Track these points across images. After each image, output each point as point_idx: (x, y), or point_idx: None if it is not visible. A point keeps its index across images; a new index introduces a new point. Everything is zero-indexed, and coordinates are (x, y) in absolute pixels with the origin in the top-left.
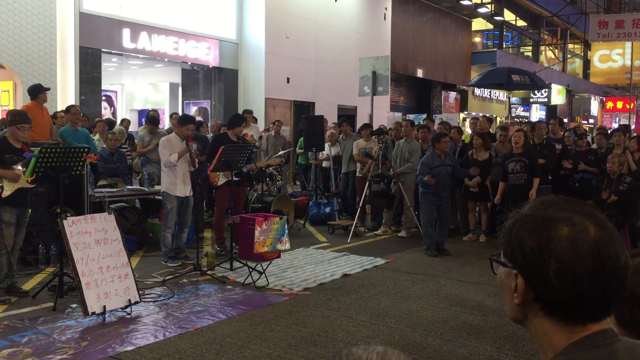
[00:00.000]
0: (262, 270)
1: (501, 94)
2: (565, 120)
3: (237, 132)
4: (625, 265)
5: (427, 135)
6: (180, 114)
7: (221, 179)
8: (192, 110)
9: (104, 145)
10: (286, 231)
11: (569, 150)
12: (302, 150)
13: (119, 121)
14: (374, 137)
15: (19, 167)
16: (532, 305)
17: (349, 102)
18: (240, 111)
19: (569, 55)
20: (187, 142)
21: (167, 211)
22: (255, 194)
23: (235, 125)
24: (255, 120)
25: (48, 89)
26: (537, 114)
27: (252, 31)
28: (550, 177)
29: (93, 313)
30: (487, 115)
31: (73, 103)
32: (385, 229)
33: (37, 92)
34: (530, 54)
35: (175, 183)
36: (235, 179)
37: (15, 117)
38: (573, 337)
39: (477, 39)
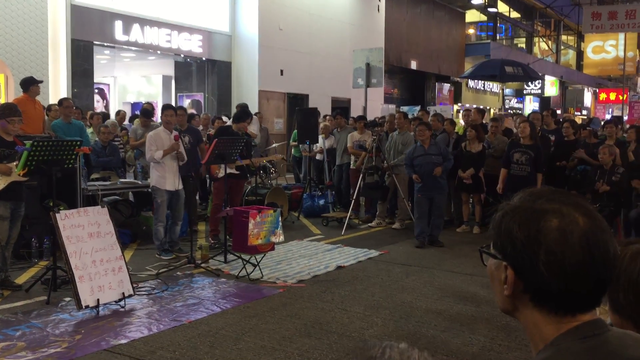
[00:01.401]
0: (256, 263)
1: (495, 86)
2: (559, 111)
3: (240, 128)
4: (614, 256)
5: None
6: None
7: (222, 171)
8: (186, 103)
9: (97, 139)
10: (280, 224)
11: (565, 142)
12: (296, 143)
13: (113, 114)
14: (368, 129)
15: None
16: (521, 296)
17: (342, 94)
18: (233, 104)
19: (562, 47)
20: (176, 138)
21: (157, 205)
22: (249, 187)
23: (241, 121)
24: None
25: (40, 82)
26: (530, 105)
27: (245, 23)
28: (544, 169)
29: (87, 306)
30: (480, 107)
31: (65, 96)
32: (379, 220)
33: (29, 84)
34: (523, 45)
35: (165, 177)
36: (235, 172)
37: (5, 111)
38: (563, 328)
39: (471, 31)
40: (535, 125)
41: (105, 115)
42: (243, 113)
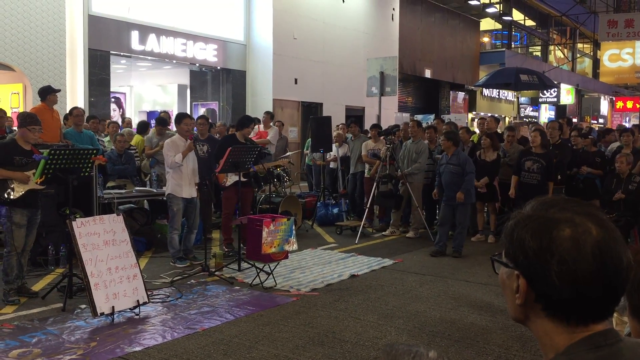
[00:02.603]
0: (269, 271)
1: (510, 94)
2: (575, 120)
3: (245, 134)
4: (627, 266)
5: (433, 136)
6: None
7: (229, 180)
8: (201, 112)
9: (113, 147)
10: (294, 232)
11: (575, 150)
12: (309, 151)
13: (120, 121)
14: (382, 137)
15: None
16: (533, 305)
17: (356, 103)
18: (248, 112)
19: (578, 55)
20: (189, 138)
21: (173, 213)
22: (263, 195)
23: (244, 127)
24: (278, 121)
25: (58, 91)
26: (546, 113)
27: (259, 32)
28: (559, 177)
29: (102, 314)
30: (495, 115)
31: (82, 105)
32: (393, 229)
33: (46, 93)
34: (539, 53)
35: (181, 184)
36: (242, 179)
37: (26, 119)
38: (575, 338)
39: (486, 39)
40: (554, 133)
41: (144, 125)
42: (245, 119)
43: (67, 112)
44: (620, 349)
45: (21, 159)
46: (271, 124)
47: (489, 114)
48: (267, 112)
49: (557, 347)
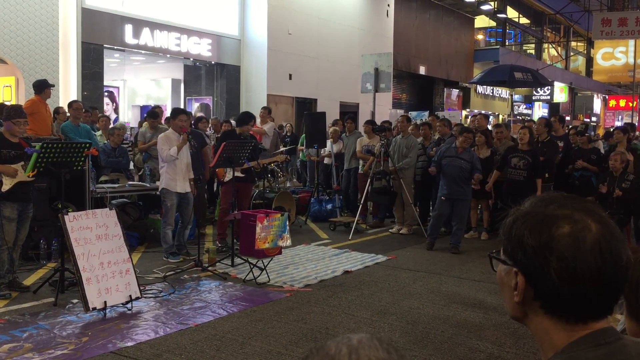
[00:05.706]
0: (263, 267)
1: (504, 92)
2: (568, 118)
3: (244, 131)
4: (627, 263)
5: (428, 133)
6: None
7: (228, 175)
8: (194, 107)
9: (106, 141)
10: (287, 228)
11: (572, 148)
12: (303, 147)
13: (122, 116)
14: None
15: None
16: (532, 303)
17: (351, 99)
18: (242, 107)
19: (571, 53)
20: (183, 130)
21: (166, 208)
22: (257, 190)
23: (244, 124)
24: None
25: (53, 86)
26: (539, 111)
27: (254, 27)
28: (547, 175)
29: (94, 308)
30: (484, 112)
31: (75, 98)
32: (399, 226)
33: (43, 87)
34: (533, 51)
35: (175, 179)
36: (240, 175)
37: (11, 112)
38: (574, 336)
39: (480, 36)
40: (541, 130)
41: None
42: (246, 116)
43: (59, 105)
44: (619, 347)
45: (9, 152)
46: (268, 119)
47: (476, 111)
48: (265, 108)
49: (556, 345)
